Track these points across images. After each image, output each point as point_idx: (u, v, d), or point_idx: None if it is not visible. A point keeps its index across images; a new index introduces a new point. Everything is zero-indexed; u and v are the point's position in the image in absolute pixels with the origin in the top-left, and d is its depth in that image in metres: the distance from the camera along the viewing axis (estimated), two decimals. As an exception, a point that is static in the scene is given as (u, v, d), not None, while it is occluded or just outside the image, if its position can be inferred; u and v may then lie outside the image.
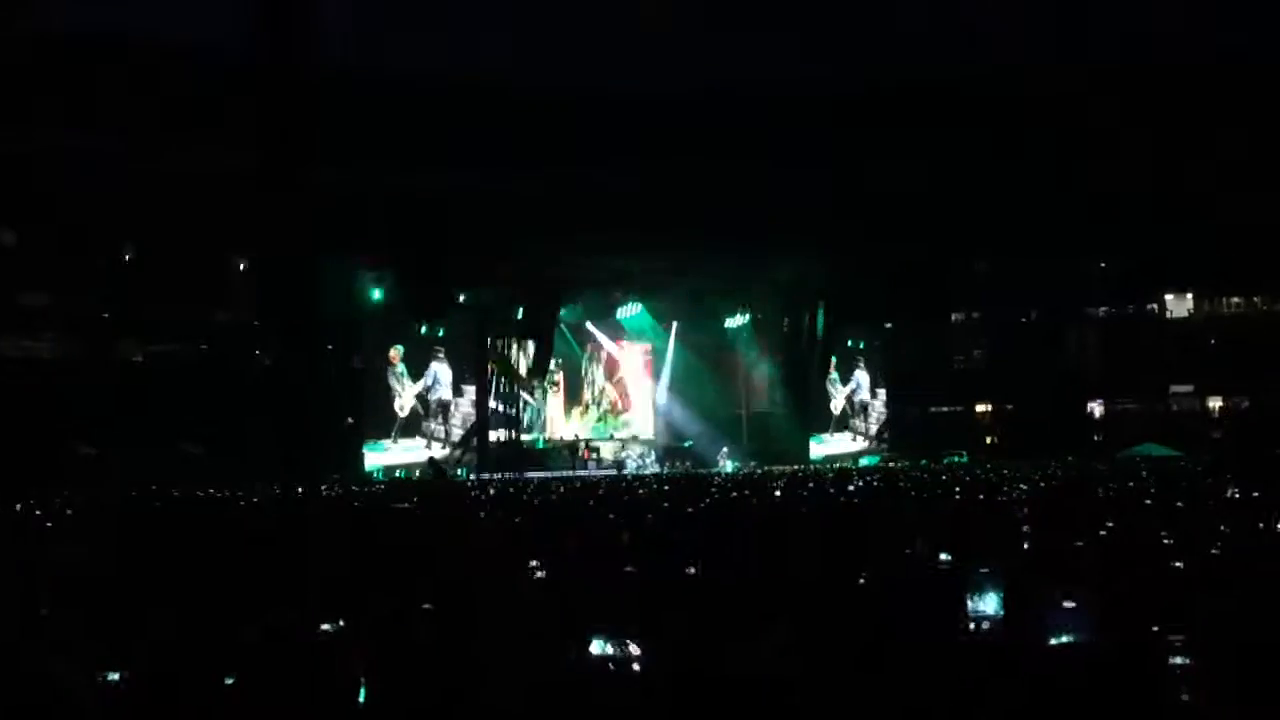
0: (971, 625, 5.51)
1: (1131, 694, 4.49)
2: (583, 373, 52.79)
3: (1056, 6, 53.62)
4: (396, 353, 46.10)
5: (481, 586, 7.76)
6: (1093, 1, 53.78)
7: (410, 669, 4.91)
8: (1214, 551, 9.07)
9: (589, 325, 52.23)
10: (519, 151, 50.36)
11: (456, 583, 7.50)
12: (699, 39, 54.11)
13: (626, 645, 4.88)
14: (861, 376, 59.07)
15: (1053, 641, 5.18)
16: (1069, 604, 5.40)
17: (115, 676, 4.74)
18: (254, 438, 39.41)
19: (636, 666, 4.81)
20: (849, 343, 58.53)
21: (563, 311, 50.35)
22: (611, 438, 52.65)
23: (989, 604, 5.51)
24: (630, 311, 52.40)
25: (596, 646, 4.91)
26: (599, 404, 53.31)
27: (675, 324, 53.63)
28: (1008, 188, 54.86)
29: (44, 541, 13.63)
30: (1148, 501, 16.39)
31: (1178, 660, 4.88)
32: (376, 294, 46.14)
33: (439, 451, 45.87)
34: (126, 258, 46.34)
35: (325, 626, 5.48)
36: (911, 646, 5.03)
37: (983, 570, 5.62)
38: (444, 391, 46.76)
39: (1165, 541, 9.70)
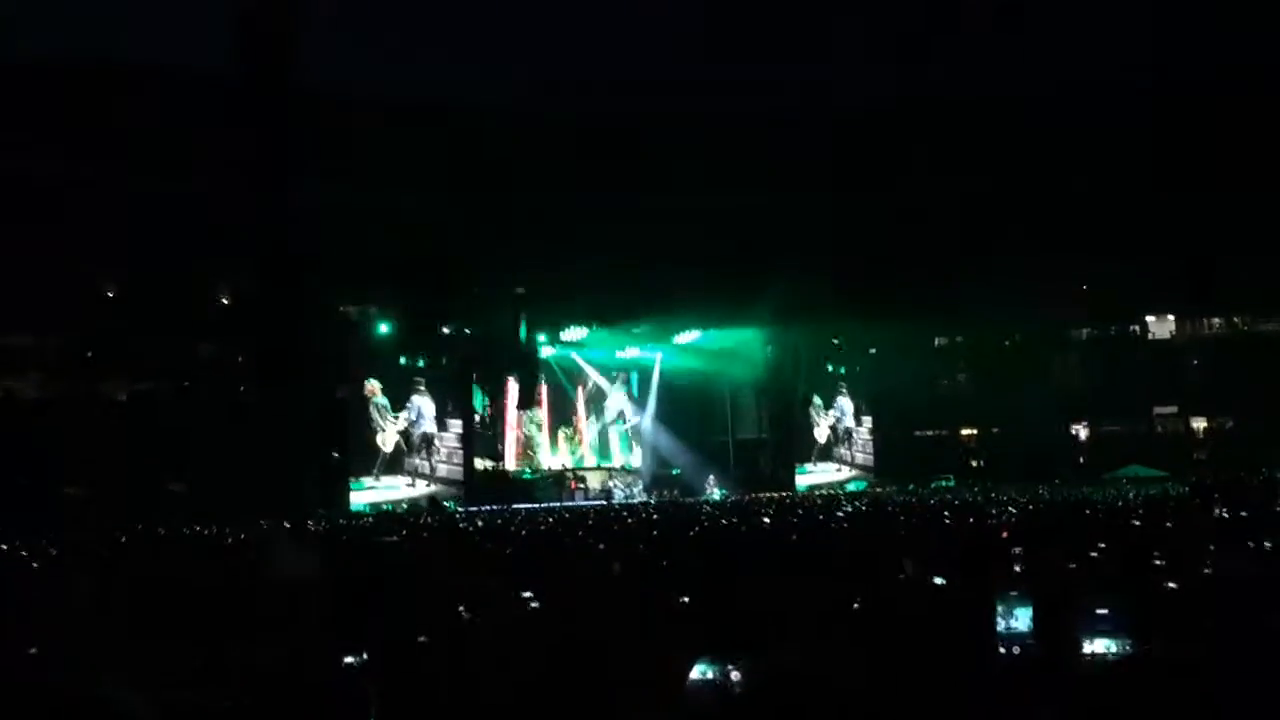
0: (1003, 648, 5.50)
1: (1171, 700, 4.50)
2: (568, 404, 52.68)
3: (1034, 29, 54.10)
4: (374, 385, 45.68)
5: (477, 619, 7.73)
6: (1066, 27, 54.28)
7: (420, 702, 4.90)
8: (1206, 571, 9.09)
9: (574, 355, 52.15)
10: (512, 176, 50.60)
11: (453, 615, 7.48)
12: (693, 64, 54.47)
13: (729, 669, 4.89)
14: (845, 403, 59.16)
15: (1087, 649, 5.19)
16: (1102, 610, 5.41)
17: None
18: (239, 474, 39.36)
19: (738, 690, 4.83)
20: (830, 368, 58.65)
21: (548, 342, 50.34)
22: (599, 468, 52.53)
23: (1021, 623, 5.50)
24: (616, 341, 52.41)
25: (698, 671, 4.92)
26: (577, 436, 53.19)
27: (660, 353, 53.63)
28: (991, 211, 55.34)
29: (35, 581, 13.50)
30: (1136, 522, 16.41)
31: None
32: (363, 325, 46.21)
33: (424, 488, 45.51)
34: (109, 294, 46.22)
35: (349, 660, 5.45)
36: (933, 668, 5.04)
37: (1012, 592, 5.63)
38: (428, 425, 46.37)
39: (1157, 562, 9.72)
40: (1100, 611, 5.43)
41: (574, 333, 50.53)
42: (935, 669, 5.19)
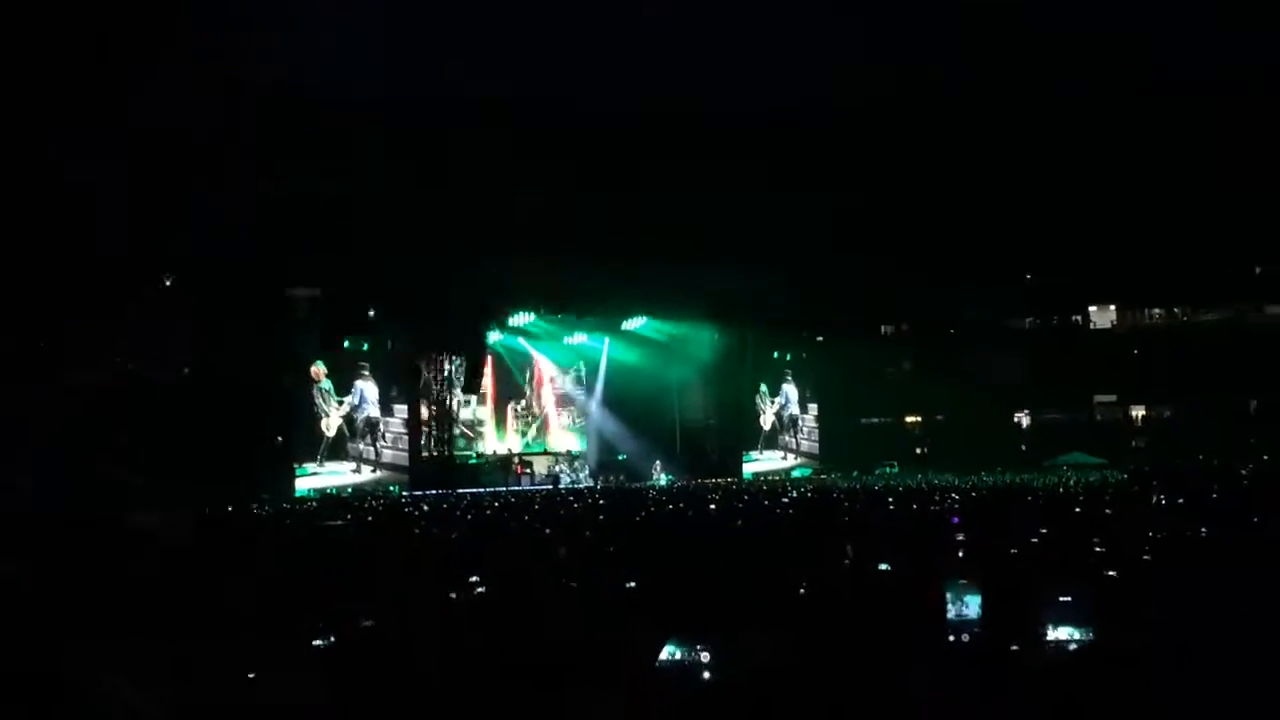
0: (952, 635, 5.51)
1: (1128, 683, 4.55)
2: (515, 388, 52.45)
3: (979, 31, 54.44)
4: (320, 369, 44.97)
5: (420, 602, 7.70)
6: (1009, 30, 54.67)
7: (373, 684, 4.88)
8: (1145, 558, 9.21)
9: (522, 341, 51.95)
10: (457, 167, 50.31)
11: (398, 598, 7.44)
12: (643, 59, 54.33)
13: (698, 651, 4.90)
14: (790, 390, 59.38)
15: (1050, 635, 5.22)
16: (1065, 598, 5.45)
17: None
18: (178, 458, 38.90)
19: (707, 674, 4.83)
20: (774, 354, 58.74)
21: (495, 328, 50.07)
22: (545, 452, 52.39)
23: (970, 610, 5.52)
24: (563, 326, 52.27)
25: (666, 652, 4.91)
26: (530, 420, 53.03)
27: (607, 339, 53.55)
28: (936, 202, 55.82)
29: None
30: (1077, 509, 16.62)
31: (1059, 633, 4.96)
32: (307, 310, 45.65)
33: (370, 473, 45.07)
34: (50, 279, 45.49)
35: (317, 642, 5.45)
36: (878, 653, 5.05)
37: (960, 580, 5.65)
38: (371, 409, 45.87)
39: (1097, 549, 9.83)
40: (1063, 599, 5.46)
41: (521, 318, 50.35)
42: (880, 654, 5.21)
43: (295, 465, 43.42)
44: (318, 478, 43.77)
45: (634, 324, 53.30)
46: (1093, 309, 63.37)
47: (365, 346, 45.97)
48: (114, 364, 46.12)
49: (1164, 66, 53.69)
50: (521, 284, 48.63)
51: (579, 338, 53.25)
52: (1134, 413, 61.55)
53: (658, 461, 50.89)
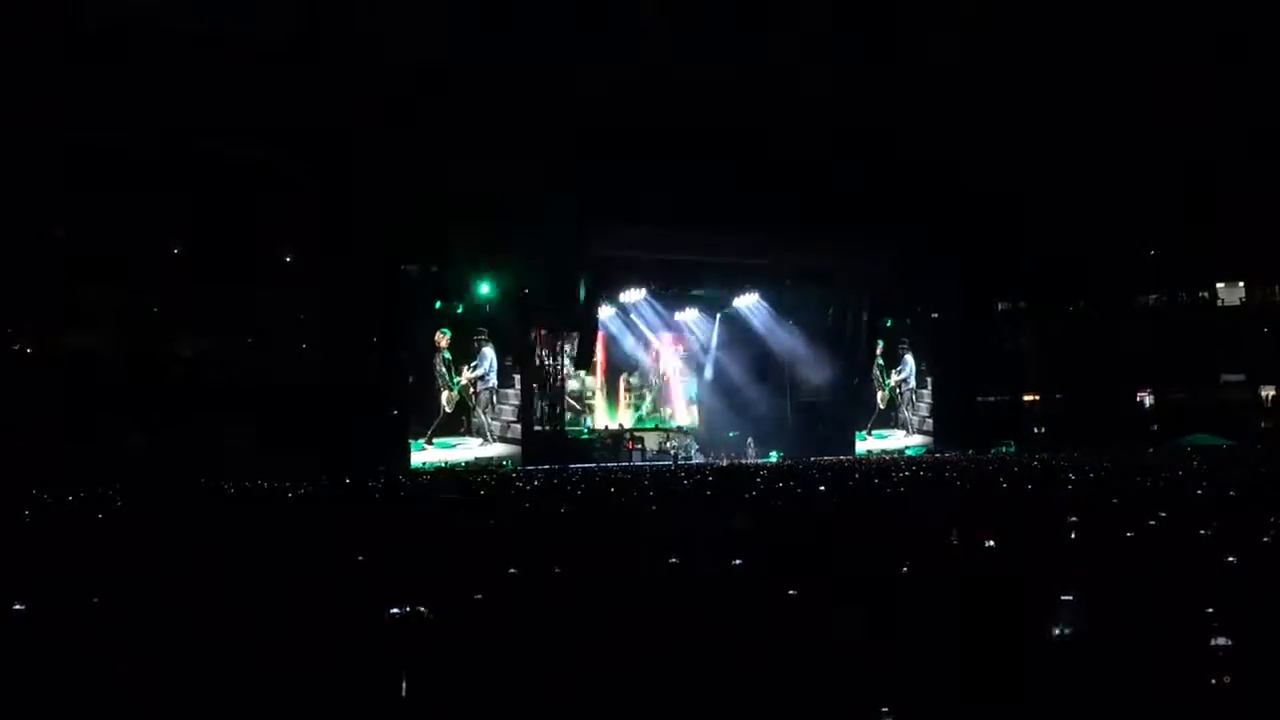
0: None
1: (1124, 688, 4.41)
2: (627, 363, 52.67)
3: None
4: (444, 337, 45.09)
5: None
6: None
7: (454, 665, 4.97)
8: (1265, 540, 8.95)
9: (633, 317, 52.11)
10: (563, 141, 50.47)
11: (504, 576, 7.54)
12: (756, 27, 53.75)
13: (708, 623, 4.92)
14: (909, 361, 58.24)
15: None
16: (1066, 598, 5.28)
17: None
18: (302, 431, 39.84)
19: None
20: (888, 323, 57.49)
21: (606, 303, 50.25)
22: (656, 428, 52.57)
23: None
24: (675, 301, 52.29)
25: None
26: (642, 395, 53.26)
27: (719, 315, 53.48)
28: (1056, 177, 54.60)
29: (92, 533, 13.79)
30: (1199, 491, 16.19)
31: (1221, 641, 4.79)
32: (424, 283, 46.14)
33: (495, 448, 44.94)
34: (175, 251, 46.77)
35: (394, 610, 5.61)
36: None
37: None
38: (494, 379, 45.78)
39: (1205, 533, 9.58)
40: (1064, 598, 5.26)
41: (632, 294, 50.48)
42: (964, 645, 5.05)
43: (414, 439, 43.79)
44: (438, 451, 43.87)
45: (746, 299, 52.96)
46: (1220, 285, 61.44)
47: (460, 309, 45.79)
48: (234, 337, 47.34)
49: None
50: (632, 258, 48.66)
51: (690, 313, 53.22)
52: (1264, 393, 59.62)
53: (754, 441, 50.70)
